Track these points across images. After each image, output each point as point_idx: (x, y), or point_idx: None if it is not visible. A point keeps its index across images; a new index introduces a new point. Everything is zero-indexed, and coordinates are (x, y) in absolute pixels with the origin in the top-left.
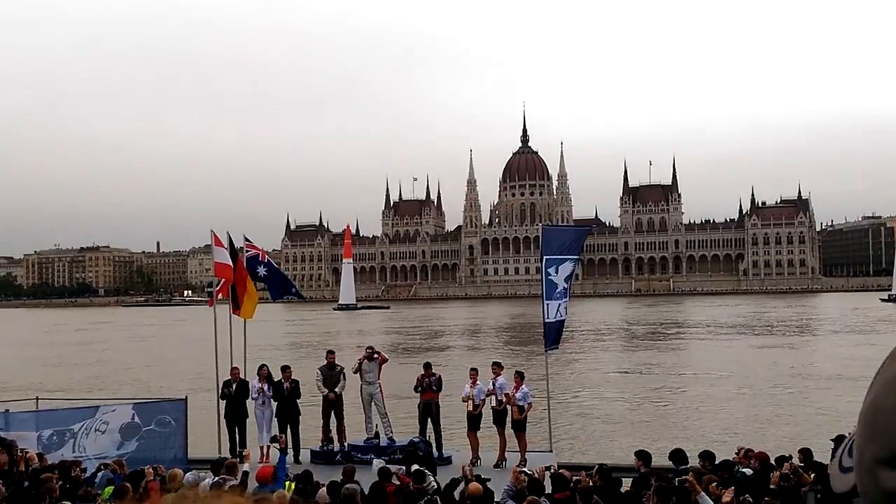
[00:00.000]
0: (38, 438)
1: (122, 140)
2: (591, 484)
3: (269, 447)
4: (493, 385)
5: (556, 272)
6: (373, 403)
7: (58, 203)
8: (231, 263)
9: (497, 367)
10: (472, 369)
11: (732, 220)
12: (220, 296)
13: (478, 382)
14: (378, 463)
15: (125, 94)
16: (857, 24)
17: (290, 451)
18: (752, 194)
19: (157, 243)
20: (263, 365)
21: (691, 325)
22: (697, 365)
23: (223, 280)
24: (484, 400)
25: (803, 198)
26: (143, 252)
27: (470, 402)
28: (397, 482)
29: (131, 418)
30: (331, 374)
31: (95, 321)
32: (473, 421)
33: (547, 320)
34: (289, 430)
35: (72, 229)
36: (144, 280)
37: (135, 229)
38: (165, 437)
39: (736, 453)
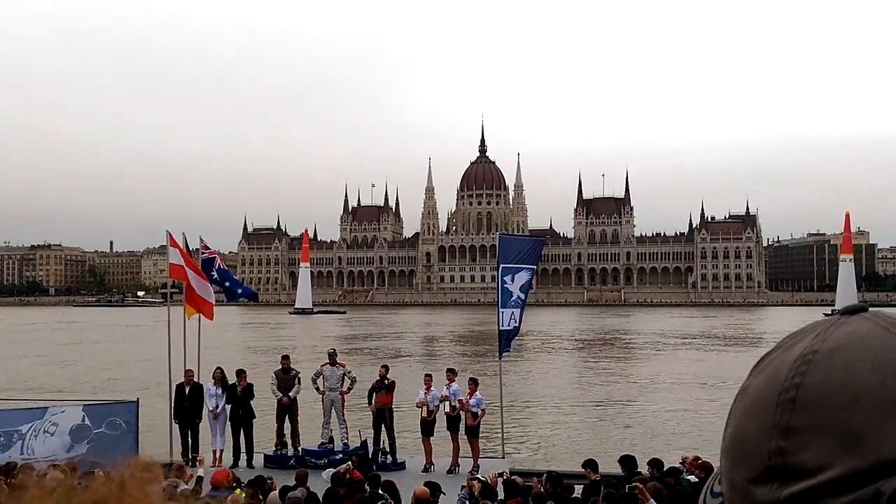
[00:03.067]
0: None
1: (77, 136)
2: (543, 490)
3: (221, 451)
4: (448, 391)
5: (512, 280)
6: (332, 410)
7: (8, 199)
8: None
9: (451, 374)
10: (427, 375)
11: (682, 234)
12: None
13: (432, 389)
14: (328, 472)
15: (81, 89)
16: (803, 46)
17: (244, 456)
18: (702, 209)
19: (111, 243)
20: (218, 368)
21: (642, 335)
22: (648, 374)
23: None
24: (438, 406)
25: (751, 214)
26: (96, 251)
27: (424, 408)
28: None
29: (81, 420)
30: (285, 379)
31: (62, 321)
32: (427, 427)
33: (501, 328)
34: (242, 433)
35: (22, 227)
36: (97, 280)
37: (88, 228)
38: (116, 439)
39: (681, 462)
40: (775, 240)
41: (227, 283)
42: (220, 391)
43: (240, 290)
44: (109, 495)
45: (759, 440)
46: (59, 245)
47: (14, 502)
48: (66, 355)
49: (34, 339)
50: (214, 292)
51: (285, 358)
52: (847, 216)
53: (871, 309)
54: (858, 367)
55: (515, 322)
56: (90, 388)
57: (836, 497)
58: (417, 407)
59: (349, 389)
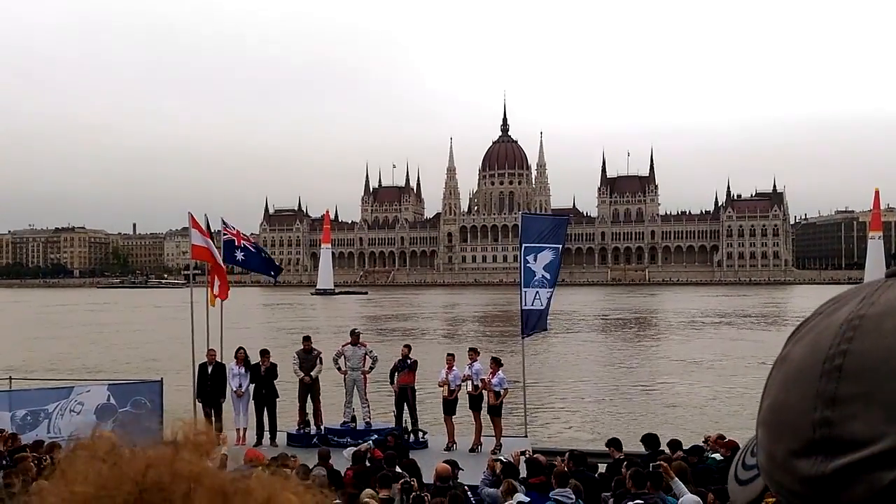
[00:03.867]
0: (12, 419)
1: (100, 120)
2: (566, 469)
3: (244, 430)
4: (470, 370)
5: (535, 260)
6: (355, 389)
7: (33, 183)
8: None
9: (473, 353)
10: (449, 354)
11: (708, 213)
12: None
13: (454, 368)
14: (349, 451)
15: (104, 75)
16: (830, 23)
17: (267, 434)
18: (728, 187)
19: (134, 225)
20: (241, 348)
21: (668, 315)
22: (673, 355)
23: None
24: (460, 385)
25: (778, 191)
26: (120, 234)
27: (445, 387)
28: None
29: (106, 399)
30: (307, 359)
31: (95, 301)
32: (449, 406)
33: (524, 307)
34: (265, 412)
35: (47, 209)
36: (120, 262)
37: (111, 211)
38: (141, 418)
39: (703, 441)
40: (803, 217)
41: (257, 262)
42: (243, 371)
43: (272, 272)
44: (161, 460)
45: (801, 411)
46: (83, 228)
47: (67, 464)
48: (93, 336)
49: (65, 321)
50: (237, 272)
51: (306, 339)
52: (876, 192)
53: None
54: None
55: (542, 304)
56: (118, 367)
57: (887, 470)
58: (439, 386)
59: (371, 369)
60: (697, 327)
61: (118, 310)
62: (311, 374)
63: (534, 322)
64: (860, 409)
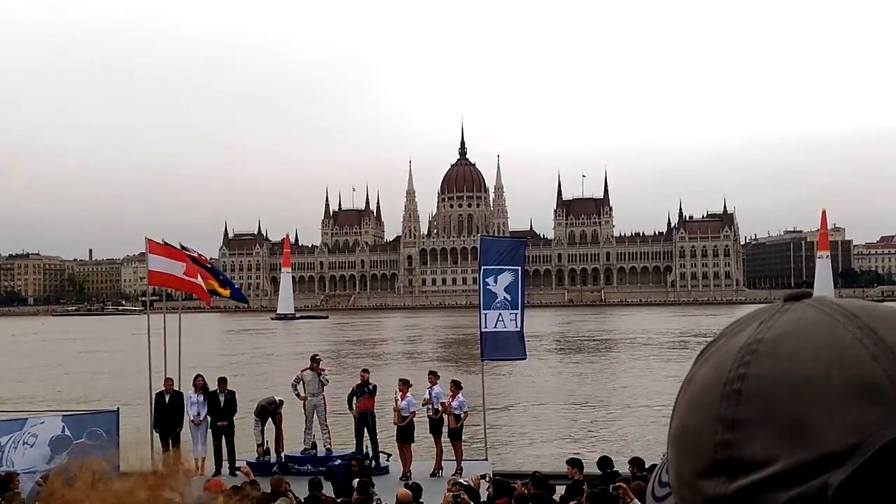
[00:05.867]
0: None
1: (54, 144)
2: (525, 492)
3: (203, 460)
4: (430, 394)
5: (495, 282)
6: (315, 415)
7: None
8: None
9: (433, 376)
10: (402, 380)
11: (661, 234)
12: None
13: (407, 395)
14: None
15: (62, 97)
16: (779, 48)
17: (226, 464)
18: (680, 208)
19: (90, 251)
20: (199, 375)
21: (626, 335)
22: (631, 375)
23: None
24: (414, 412)
25: (728, 212)
26: (76, 260)
27: (396, 413)
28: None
29: (61, 431)
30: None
31: (49, 330)
32: (403, 433)
33: (484, 330)
34: (223, 441)
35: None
36: (76, 289)
37: (67, 236)
38: (97, 450)
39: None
40: (753, 238)
41: (221, 278)
42: (201, 399)
43: (235, 288)
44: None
45: (704, 433)
46: (38, 254)
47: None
48: (48, 365)
49: (17, 351)
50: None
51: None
52: (823, 213)
53: (814, 295)
54: (803, 356)
55: (516, 326)
56: (71, 399)
57: (784, 490)
58: (394, 412)
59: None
60: (655, 347)
61: (73, 338)
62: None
63: (505, 347)
64: (757, 432)
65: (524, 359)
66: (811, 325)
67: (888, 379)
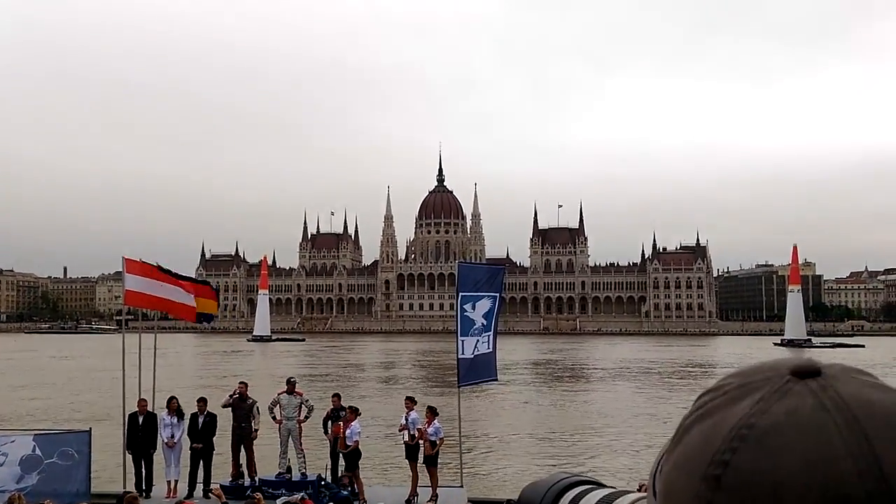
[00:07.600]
0: None
1: (29, 159)
2: None
3: (176, 482)
4: (406, 420)
5: (473, 308)
6: (290, 439)
7: None
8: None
9: (410, 402)
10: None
11: (635, 264)
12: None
13: (352, 424)
14: (282, 501)
15: (36, 113)
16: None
17: (200, 486)
18: (654, 240)
19: (65, 269)
20: (173, 397)
21: (600, 363)
22: (607, 403)
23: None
24: (357, 440)
25: (701, 245)
26: (50, 277)
27: (341, 440)
28: None
29: (32, 450)
30: (241, 407)
31: (21, 348)
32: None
33: (461, 356)
34: (201, 464)
35: None
36: (50, 306)
37: (41, 254)
38: (68, 470)
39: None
40: (725, 270)
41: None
42: (175, 420)
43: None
44: None
45: (684, 499)
46: (11, 271)
47: None
48: (17, 384)
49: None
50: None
51: (242, 384)
52: (794, 249)
53: (823, 370)
54: (787, 458)
55: (488, 349)
56: (43, 417)
57: None
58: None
59: (306, 417)
60: (628, 377)
61: (44, 357)
62: (253, 424)
63: (479, 370)
64: None
65: (496, 379)
66: (805, 422)
67: (867, 499)
